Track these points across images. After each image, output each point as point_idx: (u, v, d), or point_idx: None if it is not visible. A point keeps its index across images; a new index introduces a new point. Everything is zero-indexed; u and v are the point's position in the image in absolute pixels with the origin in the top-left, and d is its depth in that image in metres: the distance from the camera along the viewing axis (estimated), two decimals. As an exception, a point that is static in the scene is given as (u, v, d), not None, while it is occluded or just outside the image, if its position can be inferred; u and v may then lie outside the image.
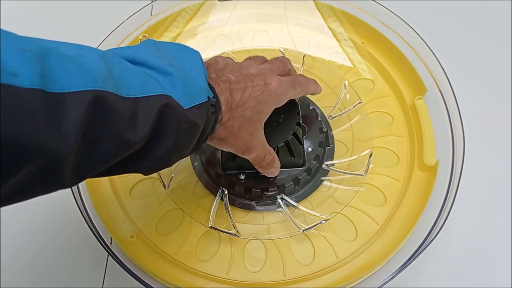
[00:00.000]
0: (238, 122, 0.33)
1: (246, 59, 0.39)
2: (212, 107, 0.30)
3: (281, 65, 0.39)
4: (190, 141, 0.30)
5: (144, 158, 0.28)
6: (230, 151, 0.35)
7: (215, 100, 0.31)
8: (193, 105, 0.28)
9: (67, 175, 0.23)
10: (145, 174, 0.31)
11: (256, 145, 0.35)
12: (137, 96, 0.25)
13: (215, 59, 0.36)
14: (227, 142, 0.33)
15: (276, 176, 0.42)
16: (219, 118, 0.31)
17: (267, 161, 0.38)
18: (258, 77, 0.35)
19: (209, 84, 0.31)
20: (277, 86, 0.35)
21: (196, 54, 0.31)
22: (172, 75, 0.28)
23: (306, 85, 0.40)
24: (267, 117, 0.35)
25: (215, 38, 0.56)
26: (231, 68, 0.35)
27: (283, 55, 0.53)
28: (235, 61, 0.37)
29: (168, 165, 0.30)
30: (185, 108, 0.28)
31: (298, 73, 0.51)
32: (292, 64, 0.52)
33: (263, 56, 0.40)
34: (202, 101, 0.29)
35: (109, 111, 0.24)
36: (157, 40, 0.54)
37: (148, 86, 0.26)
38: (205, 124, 0.30)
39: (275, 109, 0.41)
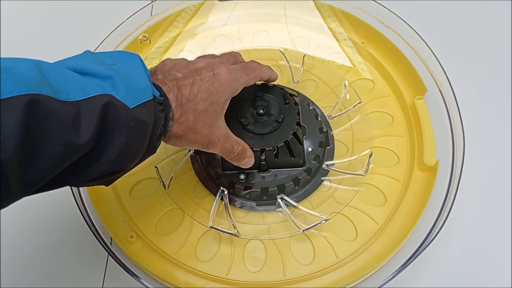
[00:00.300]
0: (192, 116, 0.32)
1: (197, 57, 0.39)
2: (159, 105, 0.30)
3: (231, 58, 0.39)
4: (142, 141, 0.29)
5: (97, 161, 0.27)
6: (194, 148, 0.35)
7: (162, 98, 0.31)
8: (138, 103, 0.28)
9: (13, 184, 0.23)
10: (106, 184, 0.31)
11: (218, 137, 0.35)
12: (78, 99, 0.25)
13: (163, 62, 0.36)
14: (186, 138, 0.33)
15: (276, 176, 0.42)
16: (170, 115, 0.31)
17: (237, 151, 0.37)
18: (206, 69, 0.35)
19: (155, 85, 0.31)
20: (226, 74, 0.35)
21: (136, 56, 0.32)
22: (113, 78, 0.28)
23: (260, 69, 0.40)
24: (225, 108, 0.35)
25: (215, 38, 0.56)
26: (179, 67, 0.35)
27: (281, 53, 0.53)
28: (186, 59, 0.37)
29: (124, 167, 0.29)
30: (130, 107, 0.28)
31: (297, 73, 0.51)
32: (292, 64, 0.52)
33: (214, 54, 0.40)
34: (147, 99, 0.29)
35: (47, 114, 0.24)
36: (157, 38, 0.55)
37: (88, 89, 0.26)
38: (155, 122, 0.30)
39: (275, 108, 0.42)
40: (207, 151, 0.36)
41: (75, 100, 0.25)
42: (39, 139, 0.24)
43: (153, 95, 0.30)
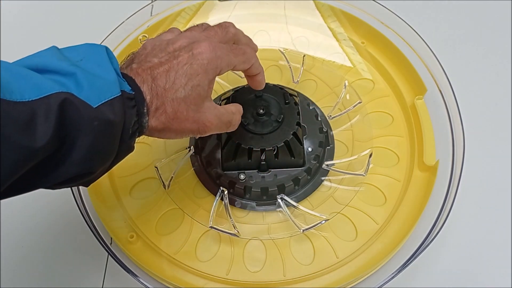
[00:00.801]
0: (171, 106, 0.30)
1: (185, 30, 0.36)
2: (130, 101, 0.28)
3: (219, 30, 0.35)
4: (110, 141, 0.27)
5: (64, 164, 0.26)
6: (185, 137, 0.33)
7: (133, 92, 0.28)
8: (104, 101, 0.26)
9: None
10: (85, 185, 0.29)
11: (210, 119, 0.33)
12: (33, 99, 0.24)
13: (143, 45, 0.33)
14: (171, 129, 0.31)
15: (276, 176, 0.42)
16: (145, 110, 0.29)
17: (236, 122, 0.36)
18: (185, 49, 0.32)
19: (128, 77, 0.29)
20: (207, 51, 0.31)
21: (102, 49, 0.29)
22: (75, 74, 0.26)
23: (251, 55, 0.36)
24: (212, 87, 0.33)
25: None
26: (158, 50, 0.32)
27: (281, 53, 0.53)
28: (170, 35, 0.34)
29: (93, 169, 0.27)
30: (94, 106, 0.26)
31: (297, 73, 0.51)
32: (292, 64, 0.52)
33: (204, 23, 0.37)
34: (114, 96, 0.27)
35: None
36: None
37: (44, 87, 0.25)
38: (125, 120, 0.28)
39: (275, 108, 0.42)
40: (203, 135, 0.34)
41: (30, 100, 0.24)
42: None
43: (122, 90, 0.28)
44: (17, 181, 0.24)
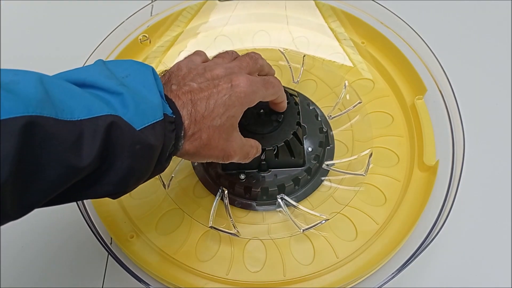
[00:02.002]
0: (207, 133, 0.31)
1: (215, 57, 0.37)
2: (171, 124, 0.29)
3: (251, 62, 0.37)
4: (148, 164, 0.28)
5: (101, 183, 0.26)
6: (208, 161, 0.34)
7: (174, 116, 0.29)
8: (147, 124, 0.27)
9: (9, 206, 0.23)
10: (113, 198, 0.30)
11: (235, 149, 0.34)
12: (82, 119, 0.24)
13: (178, 66, 0.34)
14: (200, 154, 0.32)
15: (276, 176, 0.42)
16: (182, 134, 0.30)
17: (253, 155, 0.37)
18: (224, 79, 0.33)
19: (168, 99, 0.30)
20: (245, 85, 0.32)
21: (149, 69, 0.30)
22: (122, 95, 0.27)
23: (279, 88, 0.37)
24: (240, 118, 0.34)
25: (215, 38, 0.56)
26: (195, 73, 0.33)
27: (281, 53, 0.53)
28: (202, 62, 0.35)
29: (127, 190, 0.28)
30: (138, 129, 0.26)
31: (297, 73, 0.51)
32: (292, 64, 0.52)
33: (233, 52, 0.38)
34: (157, 120, 0.28)
35: (46, 136, 0.23)
36: (157, 38, 0.55)
37: (94, 107, 0.25)
38: (164, 144, 0.28)
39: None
40: (225, 162, 0.35)
41: (79, 119, 0.24)
42: (36, 162, 0.23)
43: (164, 113, 0.28)
44: (56, 195, 0.25)
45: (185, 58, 0.36)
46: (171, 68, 0.34)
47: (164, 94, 0.30)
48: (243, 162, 0.37)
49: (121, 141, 0.26)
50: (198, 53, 0.37)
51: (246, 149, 0.36)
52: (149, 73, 0.30)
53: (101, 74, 0.28)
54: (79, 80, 0.27)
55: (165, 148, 0.29)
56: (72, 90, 0.25)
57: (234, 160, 0.35)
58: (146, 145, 0.27)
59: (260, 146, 0.39)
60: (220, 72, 0.33)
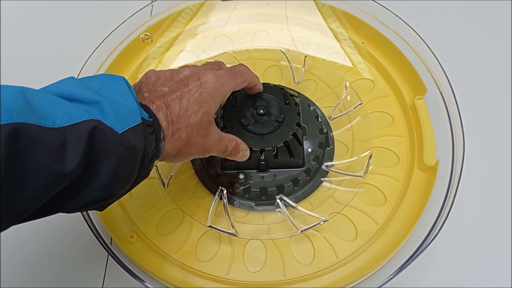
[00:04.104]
0: (185, 132, 0.32)
1: (180, 67, 0.38)
2: (149, 127, 0.29)
3: (215, 65, 0.38)
4: (132, 166, 0.28)
5: (88, 188, 0.27)
6: (191, 159, 0.35)
7: (151, 119, 0.30)
8: (127, 128, 0.28)
9: None
10: (100, 210, 0.30)
11: (213, 143, 0.35)
12: (64, 125, 0.25)
13: (146, 75, 0.35)
14: (182, 154, 0.33)
15: (276, 176, 0.42)
16: (161, 136, 0.30)
17: (230, 149, 0.37)
18: (192, 78, 0.34)
19: (143, 105, 0.31)
20: (213, 81, 0.34)
21: (120, 79, 0.31)
22: (100, 103, 0.27)
23: (248, 73, 0.39)
24: (215, 112, 0.35)
25: (215, 38, 0.56)
26: (164, 79, 0.34)
27: (283, 53, 0.53)
28: (170, 69, 0.36)
29: (113, 194, 0.28)
30: (119, 132, 0.27)
31: (298, 74, 0.51)
32: (293, 64, 0.52)
33: (196, 66, 0.39)
34: (136, 123, 0.28)
35: (31, 143, 0.23)
36: (158, 37, 0.55)
37: (75, 114, 0.26)
38: (146, 146, 0.29)
39: (276, 108, 0.42)
40: (202, 157, 0.35)
41: (61, 126, 0.25)
42: (22, 170, 0.23)
43: (142, 118, 0.29)
44: (41, 206, 0.25)
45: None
46: (140, 79, 0.35)
47: (139, 102, 0.30)
48: (222, 156, 0.38)
49: (104, 145, 0.26)
50: (166, 70, 0.38)
51: (224, 142, 0.37)
52: (122, 82, 0.30)
53: (76, 87, 0.28)
54: (56, 94, 0.27)
55: (147, 151, 0.29)
56: (52, 99, 0.26)
57: (213, 154, 0.36)
58: (129, 147, 0.27)
59: (241, 140, 0.39)
60: (187, 72, 0.34)
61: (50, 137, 0.24)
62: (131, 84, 0.34)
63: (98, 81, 0.30)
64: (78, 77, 0.46)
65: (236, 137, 0.38)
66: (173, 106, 0.32)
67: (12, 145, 0.22)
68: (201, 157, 0.35)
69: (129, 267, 0.38)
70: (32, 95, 0.25)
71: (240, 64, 0.39)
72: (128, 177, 0.29)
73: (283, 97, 0.43)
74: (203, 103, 0.33)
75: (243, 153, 0.39)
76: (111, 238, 0.41)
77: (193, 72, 0.35)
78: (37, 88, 0.27)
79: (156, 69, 0.35)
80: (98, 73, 0.49)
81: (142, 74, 0.35)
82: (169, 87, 0.33)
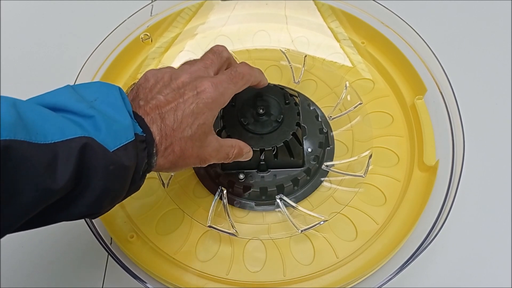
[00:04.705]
0: (179, 145, 0.31)
1: (182, 64, 0.36)
2: (142, 143, 0.29)
3: (215, 58, 0.36)
4: (122, 184, 0.28)
5: (75, 204, 0.26)
6: (187, 168, 0.34)
7: (144, 135, 0.29)
8: (119, 146, 0.27)
9: None
10: (91, 219, 0.30)
11: (210, 153, 0.34)
12: (56, 141, 0.24)
13: (145, 76, 0.33)
14: (177, 166, 0.32)
15: (276, 176, 0.42)
16: (154, 151, 0.30)
17: (233, 156, 0.36)
18: (189, 87, 0.32)
19: (138, 116, 0.30)
20: (211, 90, 0.32)
21: (116, 90, 0.30)
22: (94, 117, 0.27)
23: (250, 74, 0.36)
24: (213, 121, 0.33)
25: (215, 38, 0.56)
26: (162, 85, 0.32)
27: (283, 53, 0.53)
28: (170, 69, 0.34)
29: (101, 210, 0.28)
30: (111, 150, 0.27)
31: (298, 74, 0.51)
32: (293, 64, 0.52)
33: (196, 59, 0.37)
34: (129, 140, 0.28)
35: (21, 160, 0.23)
36: (158, 37, 0.54)
37: (67, 130, 0.25)
38: (137, 163, 0.28)
39: (275, 108, 0.42)
40: (203, 166, 0.35)
41: (52, 142, 0.24)
42: (11, 186, 0.23)
43: (135, 133, 0.28)
44: (29, 219, 0.25)
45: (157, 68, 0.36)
46: (139, 80, 0.34)
47: (133, 111, 0.30)
48: (225, 162, 0.37)
49: (95, 163, 0.26)
50: (166, 68, 0.35)
51: (225, 150, 0.35)
52: (117, 94, 0.29)
53: (71, 98, 0.28)
54: (50, 104, 0.27)
55: (138, 168, 0.29)
56: (45, 113, 0.25)
57: (214, 162, 0.35)
58: (119, 166, 0.27)
59: (243, 144, 0.38)
60: (185, 78, 0.33)
61: (41, 153, 0.24)
62: (130, 84, 0.34)
63: (93, 90, 0.29)
64: (78, 77, 0.47)
65: (238, 141, 0.37)
66: (168, 118, 0.31)
67: (2, 162, 0.22)
68: (198, 166, 0.34)
69: (129, 267, 0.38)
70: (25, 108, 0.24)
71: (241, 64, 0.37)
72: (118, 194, 0.28)
73: (283, 97, 0.43)
74: (198, 114, 0.32)
75: (247, 155, 0.38)
76: (111, 238, 0.41)
77: (191, 78, 0.33)
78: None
79: (157, 68, 0.35)
80: (98, 73, 0.49)
81: (142, 74, 0.34)
82: (165, 96, 0.32)
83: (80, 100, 0.28)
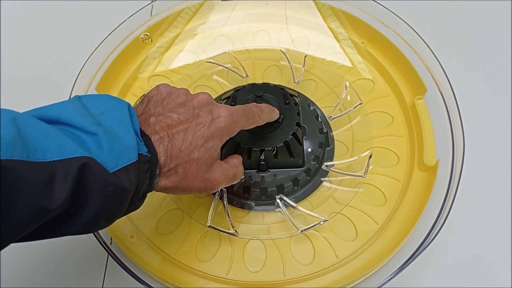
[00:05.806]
0: (183, 167, 0.30)
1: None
2: (145, 164, 0.28)
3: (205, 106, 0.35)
4: (120, 205, 0.27)
5: (71, 223, 0.26)
6: (193, 194, 0.33)
7: (149, 155, 0.28)
8: (120, 167, 0.26)
9: None
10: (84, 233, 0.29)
11: (217, 178, 0.33)
12: (54, 160, 0.24)
13: (157, 89, 0.33)
14: (180, 187, 0.31)
15: (276, 176, 0.42)
16: (157, 172, 0.29)
17: (240, 174, 0.36)
18: (205, 108, 0.32)
19: (145, 135, 0.29)
20: (226, 116, 0.32)
21: (125, 106, 0.29)
22: (97, 135, 0.26)
23: (259, 116, 0.37)
24: (218, 149, 0.33)
25: (215, 38, 0.56)
26: (176, 102, 0.32)
27: (283, 53, 0.53)
28: (184, 88, 0.34)
29: (97, 229, 0.28)
30: (111, 171, 0.26)
31: (298, 74, 0.51)
32: (293, 64, 0.52)
33: None
34: (131, 162, 0.27)
35: (16, 179, 0.22)
36: (158, 37, 0.54)
37: (67, 148, 0.25)
38: (138, 184, 0.28)
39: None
40: (209, 193, 0.34)
41: (51, 160, 0.24)
42: (5, 204, 0.22)
43: (139, 153, 0.27)
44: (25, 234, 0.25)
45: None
46: (150, 91, 0.33)
47: (140, 129, 0.29)
48: (235, 183, 0.36)
49: (93, 183, 0.25)
50: (181, 88, 0.35)
51: (232, 171, 0.35)
52: (125, 110, 0.29)
53: (76, 112, 0.27)
54: (54, 117, 0.26)
55: (138, 189, 0.28)
56: (46, 130, 0.25)
57: (221, 187, 0.34)
58: (119, 187, 0.26)
59: (241, 158, 0.38)
60: (202, 99, 0.33)
61: (38, 172, 0.23)
62: (140, 96, 0.33)
63: (101, 103, 0.29)
64: (78, 77, 0.47)
65: (238, 156, 0.37)
66: (177, 138, 0.30)
67: None
68: (204, 193, 0.33)
69: (129, 267, 0.38)
70: (25, 124, 0.24)
71: (253, 104, 0.38)
72: (115, 215, 0.28)
73: (283, 97, 0.43)
74: (209, 137, 0.31)
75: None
76: (111, 238, 0.41)
77: (207, 101, 0.33)
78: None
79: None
80: (98, 73, 0.49)
81: (153, 87, 0.33)
82: (178, 115, 0.31)
83: (86, 116, 0.27)
